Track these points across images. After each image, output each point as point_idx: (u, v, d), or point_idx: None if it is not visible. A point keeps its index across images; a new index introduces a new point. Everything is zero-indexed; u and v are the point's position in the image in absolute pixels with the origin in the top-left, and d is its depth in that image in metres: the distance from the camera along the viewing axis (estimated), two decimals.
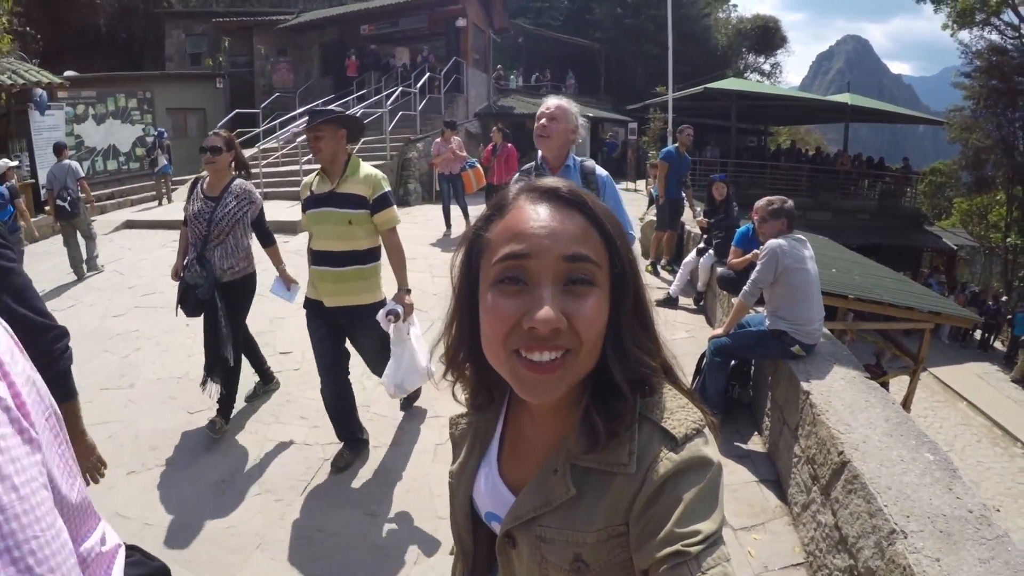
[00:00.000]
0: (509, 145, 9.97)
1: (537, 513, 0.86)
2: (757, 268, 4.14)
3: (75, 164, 8.67)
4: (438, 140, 10.22)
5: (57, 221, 8.51)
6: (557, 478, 0.85)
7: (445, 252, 8.79)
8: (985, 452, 10.62)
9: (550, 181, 0.85)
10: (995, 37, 24.31)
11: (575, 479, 0.84)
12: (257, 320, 6.19)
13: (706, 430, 0.82)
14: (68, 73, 15.13)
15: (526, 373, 0.78)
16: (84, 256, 8.37)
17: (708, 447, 0.80)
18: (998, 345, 18.46)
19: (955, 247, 24.16)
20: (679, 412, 0.83)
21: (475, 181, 9.99)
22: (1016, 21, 23.14)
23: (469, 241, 0.88)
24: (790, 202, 4.34)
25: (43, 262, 9.14)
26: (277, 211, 9.43)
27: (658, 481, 0.77)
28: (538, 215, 0.80)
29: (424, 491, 3.72)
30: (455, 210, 10.21)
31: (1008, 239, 24.32)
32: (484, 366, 0.88)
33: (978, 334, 18.23)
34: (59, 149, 8.83)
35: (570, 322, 0.77)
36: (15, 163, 9.35)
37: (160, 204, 13.22)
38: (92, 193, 9.60)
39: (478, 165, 10.08)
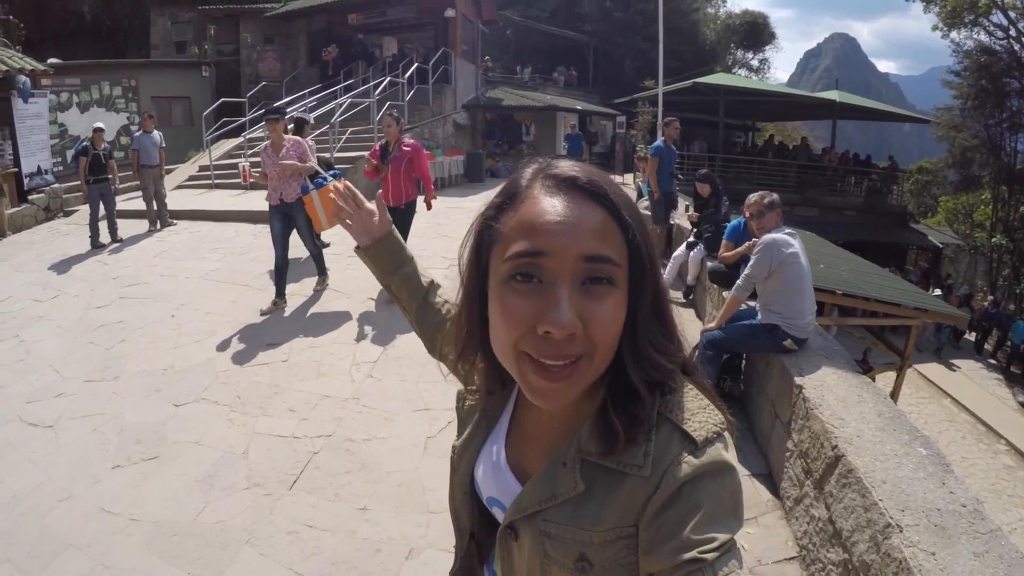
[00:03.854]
0: (410, 142, 6.34)
1: (542, 507, 0.83)
2: (752, 263, 4.13)
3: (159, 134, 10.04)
4: (266, 145, 6.31)
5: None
6: (566, 472, 0.82)
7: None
8: (969, 448, 10.74)
9: (567, 168, 0.79)
10: (984, 38, 24.47)
11: (584, 474, 0.80)
12: (246, 312, 6.15)
13: (726, 434, 0.79)
14: (52, 60, 14.87)
15: (535, 379, 0.75)
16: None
17: (728, 452, 0.77)
18: (987, 347, 18.56)
19: (940, 245, 24.33)
20: (700, 414, 0.79)
21: (324, 211, 5.67)
22: (1005, 23, 23.29)
23: (478, 231, 0.83)
24: (776, 195, 4.37)
25: (25, 252, 9.01)
26: (261, 201, 9.20)
27: (675, 485, 0.74)
28: (555, 208, 0.75)
29: (415, 485, 3.69)
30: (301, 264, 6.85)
31: (993, 239, 24.47)
32: (495, 356, 0.84)
33: (972, 336, 18.28)
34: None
35: (585, 326, 0.72)
36: (102, 125, 9.60)
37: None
38: (78, 182, 10.00)
39: (330, 181, 5.58)
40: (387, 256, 1.28)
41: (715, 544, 0.71)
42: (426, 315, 1.26)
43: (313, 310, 6.20)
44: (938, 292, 18.09)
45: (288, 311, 6.20)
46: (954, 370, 14.95)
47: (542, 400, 0.76)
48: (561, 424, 0.87)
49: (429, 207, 6.70)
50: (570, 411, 0.85)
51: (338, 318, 6.00)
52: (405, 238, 6.23)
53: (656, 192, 8.13)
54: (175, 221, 10.09)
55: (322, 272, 6.74)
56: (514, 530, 0.87)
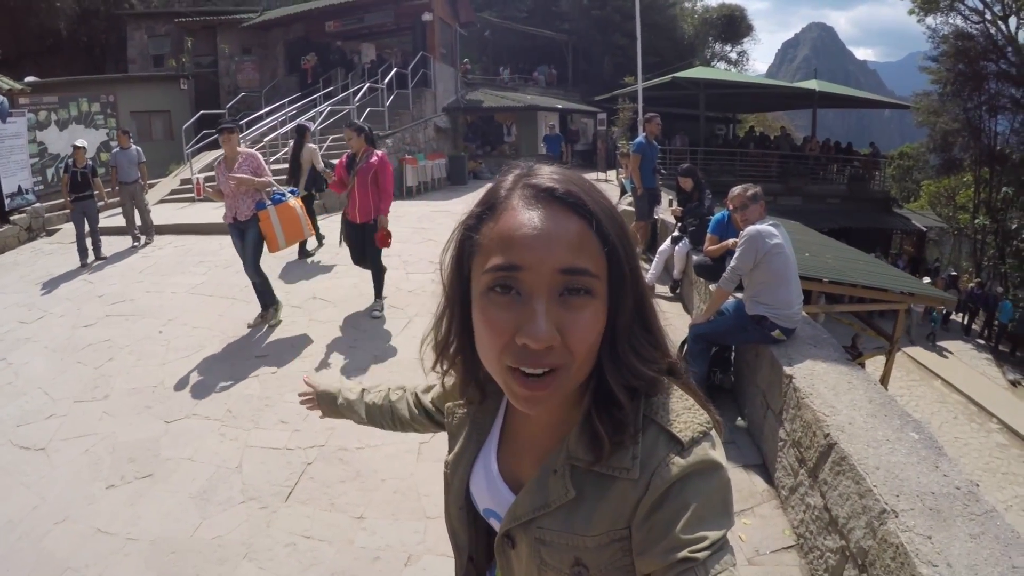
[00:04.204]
0: (378, 154, 5.86)
1: (536, 515, 0.84)
2: (737, 255, 4.14)
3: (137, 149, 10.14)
4: (219, 159, 5.95)
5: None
6: (556, 479, 0.83)
7: (415, 252, 8.28)
8: (962, 428, 10.84)
9: (546, 177, 0.79)
10: (960, 22, 24.77)
11: (575, 481, 0.81)
12: (234, 326, 6.11)
13: (713, 432, 0.80)
14: (29, 79, 14.76)
15: (519, 388, 0.75)
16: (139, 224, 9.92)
17: (715, 450, 0.78)
18: (974, 328, 18.73)
19: (924, 228, 24.54)
20: (685, 414, 0.80)
21: (282, 229, 5.78)
22: (980, 7, 23.58)
23: (459, 241, 0.83)
24: (759, 187, 4.42)
25: (9, 273, 8.92)
26: None
27: (663, 486, 0.75)
28: (531, 221, 0.74)
29: (411, 491, 3.68)
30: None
31: (976, 220, 24.75)
32: (475, 361, 0.85)
33: (960, 317, 18.43)
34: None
35: (563, 336, 0.73)
36: (83, 143, 9.55)
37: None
38: (59, 200, 10.26)
39: (288, 197, 5.91)
40: (331, 401, 1.46)
41: (706, 543, 0.72)
42: (401, 412, 1.35)
43: (300, 320, 6.18)
44: (927, 280, 18.27)
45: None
46: (945, 356, 15.05)
47: (525, 406, 0.77)
48: (550, 432, 0.88)
49: (381, 244, 5.85)
50: (558, 418, 0.86)
51: (326, 327, 5.98)
52: (375, 255, 5.96)
53: (639, 188, 8.15)
54: (153, 238, 10.06)
55: (266, 304, 6.09)
56: (511, 539, 0.89)
